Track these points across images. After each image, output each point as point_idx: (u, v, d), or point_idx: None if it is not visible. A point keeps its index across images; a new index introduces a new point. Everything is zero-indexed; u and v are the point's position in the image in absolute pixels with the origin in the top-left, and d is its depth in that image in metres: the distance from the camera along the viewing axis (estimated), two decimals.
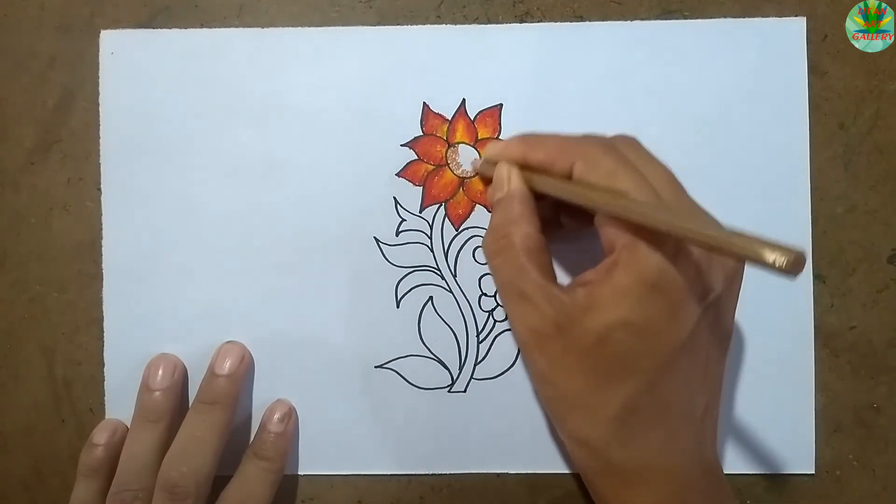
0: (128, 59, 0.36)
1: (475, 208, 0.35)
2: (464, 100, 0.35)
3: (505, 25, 0.36)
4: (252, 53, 0.36)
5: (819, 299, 0.35)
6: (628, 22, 0.35)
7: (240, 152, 0.35)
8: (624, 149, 0.29)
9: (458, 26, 0.36)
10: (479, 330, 0.35)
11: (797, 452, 0.35)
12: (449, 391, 0.35)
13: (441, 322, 0.35)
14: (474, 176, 0.35)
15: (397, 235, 0.35)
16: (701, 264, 0.27)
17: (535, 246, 0.29)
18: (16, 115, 0.36)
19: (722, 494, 0.30)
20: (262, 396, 0.35)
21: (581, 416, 0.28)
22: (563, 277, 0.35)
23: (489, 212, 0.35)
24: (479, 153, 0.35)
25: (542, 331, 0.28)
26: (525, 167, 0.31)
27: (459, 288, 0.35)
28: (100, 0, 0.36)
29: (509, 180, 0.31)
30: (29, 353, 0.36)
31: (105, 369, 0.36)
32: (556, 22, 0.35)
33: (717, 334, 0.29)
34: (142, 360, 0.35)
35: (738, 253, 0.23)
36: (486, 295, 0.35)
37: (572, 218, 0.33)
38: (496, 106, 0.35)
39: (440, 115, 0.35)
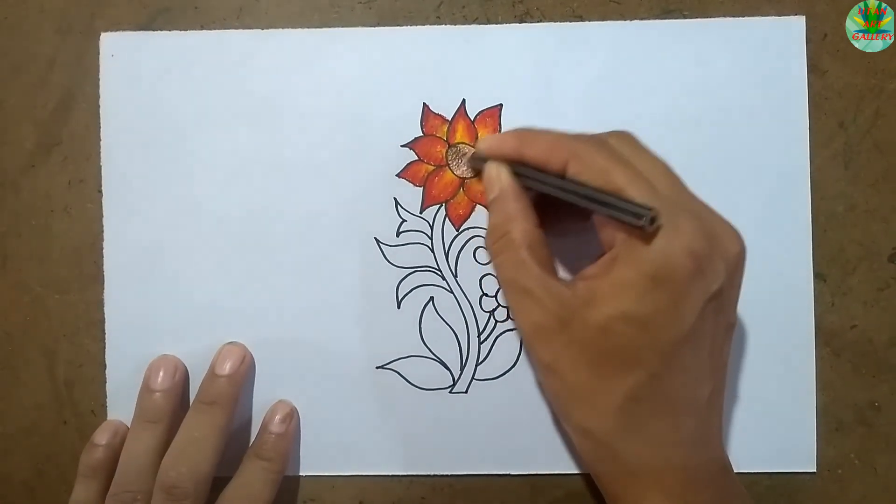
0: (128, 60, 0.36)
1: (476, 208, 0.35)
2: (464, 100, 0.35)
3: (504, 26, 0.36)
4: (252, 55, 0.36)
5: (820, 298, 0.35)
6: (628, 22, 0.35)
7: (240, 153, 0.35)
8: (617, 144, 0.30)
9: (457, 27, 0.36)
10: (481, 330, 0.35)
11: (798, 451, 0.35)
12: (450, 392, 0.35)
13: (442, 322, 0.35)
14: (475, 176, 0.35)
15: (398, 236, 0.35)
16: (702, 255, 0.27)
17: (535, 241, 0.30)
18: (16, 117, 0.36)
19: (730, 485, 0.30)
20: (264, 397, 0.35)
21: (586, 408, 0.29)
22: (563, 274, 0.35)
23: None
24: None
25: (544, 324, 0.29)
26: (519, 163, 0.31)
27: (460, 288, 0.35)
28: (99, 2, 0.36)
29: (499, 179, 0.31)
30: (30, 354, 0.36)
31: (106, 371, 0.36)
32: (555, 22, 0.35)
33: (720, 325, 0.29)
34: (143, 362, 0.35)
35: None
36: (486, 295, 0.35)
37: (569, 215, 0.33)
38: (496, 106, 0.35)
39: (440, 116, 0.35)
